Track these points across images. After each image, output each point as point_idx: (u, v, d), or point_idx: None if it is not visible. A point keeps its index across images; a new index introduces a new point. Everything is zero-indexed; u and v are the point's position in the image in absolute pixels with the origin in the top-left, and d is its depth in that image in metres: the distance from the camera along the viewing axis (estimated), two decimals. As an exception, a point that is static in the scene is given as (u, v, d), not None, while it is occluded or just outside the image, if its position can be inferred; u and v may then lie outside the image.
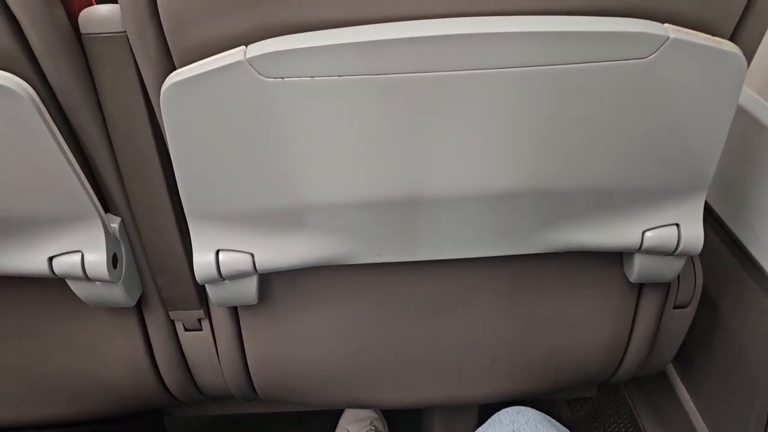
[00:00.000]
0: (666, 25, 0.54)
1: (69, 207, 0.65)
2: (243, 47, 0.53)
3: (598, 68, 0.54)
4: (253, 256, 0.68)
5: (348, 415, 1.29)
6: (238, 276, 0.70)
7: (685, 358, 1.00)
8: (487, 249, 0.71)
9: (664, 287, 0.82)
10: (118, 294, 0.73)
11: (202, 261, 0.68)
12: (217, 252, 0.68)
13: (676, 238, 0.69)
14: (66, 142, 0.61)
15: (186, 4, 0.52)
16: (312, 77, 0.54)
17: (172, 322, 0.82)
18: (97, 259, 0.68)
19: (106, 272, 0.69)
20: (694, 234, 0.69)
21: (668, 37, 0.53)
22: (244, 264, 0.68)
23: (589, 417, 1.25)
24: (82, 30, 0.59)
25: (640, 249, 0.71)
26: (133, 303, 0.77)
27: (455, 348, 0.84)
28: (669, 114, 0.59)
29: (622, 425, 1.17)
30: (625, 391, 1.19)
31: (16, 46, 0.56)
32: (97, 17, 0.59)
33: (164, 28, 0.54)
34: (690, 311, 0.86)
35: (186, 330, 0.83)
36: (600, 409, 1.24)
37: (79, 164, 0.63)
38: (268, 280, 0.76)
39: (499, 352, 0.85)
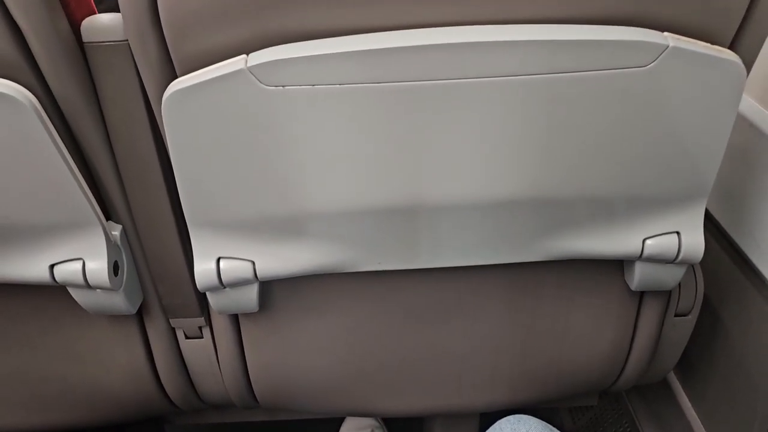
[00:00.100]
0: (665, 33, 0.54)
1: (70, 215, 0.65)
2: (244, 56, 0.53)
3: (598, 77, 0.55)
4: (253, 263, 0.68)
5: (349, 424, 1.29)
6: (238, 283, 0.70)
7: (686, 366, 1.00)
8: (488, 257, 0.71)
9: (665, 295, 0.82)
10: (118, 301, 0.73)
11: (203, 268, 0.68)
12: (218, 259, 0.68)
13: (677, 246, 0.69)
14: (68, 150, 0.61)
15: (187, 13, 0.53)
16: (313, 86, 0.54)
17: (173, 330, 0.83)
18: (98, 266, 0.68)
19: (107, 280, 0.69)
20: (694, 242, 0.69)
21: (668, 46, 0.53)
22: (244, 271, 0.69)
23: (591, 425, 1.25)
24: (85, 38, 0.60)
25: (640, 257, 0.71)
26: (134, 310, 0.77)
27: (456, 356, 0.84)
28: (669, 122, 0.59)
29: (623, 433, 1.17)
30: (627, 400, 1.19)
31: (19, 55, 0.57)
32: (99, 26, 0.59)
33: (166, 36, 0.55)
34: (691, 319, 0.86)
35: (187, 337, 0.83)
36: (601, 418, 1.23)
37: (80, 172, 0.63)
38: (269, 288, 0.76)
39: (500, 360, 0.85)
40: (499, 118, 0.57)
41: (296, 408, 0.91)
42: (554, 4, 0.54)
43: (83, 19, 0.60)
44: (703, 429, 0.96)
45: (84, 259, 0.68)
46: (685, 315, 0.85)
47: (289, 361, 0.83)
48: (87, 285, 0.69)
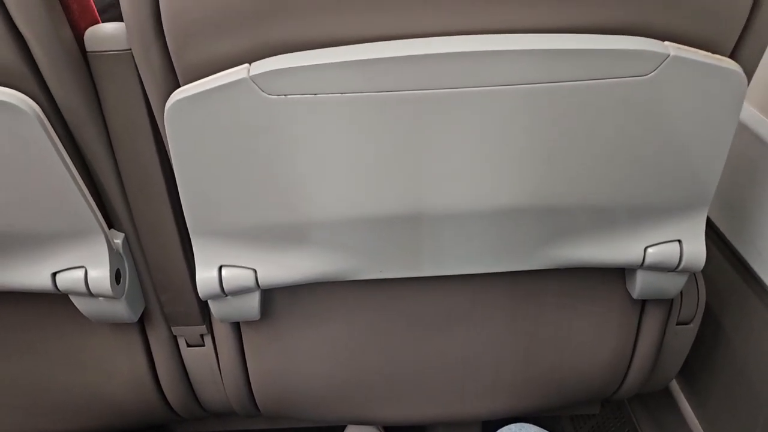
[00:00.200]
0: (666, 42, 0.55)
1: (73, 223, 0.65)
2: (246, 65, 0.54)
3: (599, 85, 0.55)
4: (255, 271, 0.69)
5: (350, 431, 1.29)
6: (240, 292, 0.70)
7: (688, 374, 0.99)
8: (490, 265, 0.71)
9: (667, 303, 0.82)
10: (120, 309, 0.74)
11: (205, 277, 0.68)
12: (220, 268, 0.68)
13: (678, 255, 0.69)
14: (71, 158, 0.61)
15: (190, 22, 0.53)
16: (315, 94, 0.54)
17: (175, 338, 0.83)
18: (100, 274, 0.69)
19: (109, 288, 0.69)
20: (696, 250, 0.69)
21: (668, 55, 0.54)
22: (246, 280, 0.69)
23: (593, 434, 1.24)
24: (88, 48, 0.60)
25: (642, 265, 0.71)
26: (136, 318, 0.77)
27: (458, 364, 0.84)
28: (670, 131, 0.59)
29: (625, 442, 1.17)
30: (629, 408, 1.19)
31: (23, 64, 0.57)
32: (103, 35, 0.60)
33: (169, 46, 0.55)
34: (693, 327, 0.86)
35: (188, 346, 0.83)
36: (604, 426, 1.23)
37: (83, 180, 0.63)
38: (271, 296, 0.76)
39: (502, 368, 0.85)
40: (501, 127, 0.57)
41: (297, 416, 0.91)
42: (555, 13, 0.54)
43: (87, 28, 0.60)
44: (706, 437, 0.96)
45: (86, 267, 0.69)
46: (686, 323, 0.85)
47: (291, 368, 0.83)
48: (89, 293, 0.70)
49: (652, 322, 0.82)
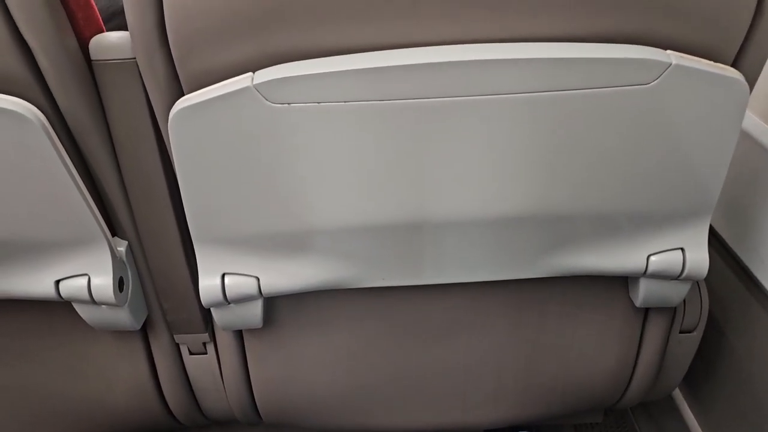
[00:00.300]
0: (668, 51, 0.55)
1: (76, 231, 0.66)
2: (250, 73, 0.54)
3: (602, 94, 0.55)
4: (258, 279, 0.69)
5: (352, 440, 1.28)
6: (243, 299, 0.70)
7: (692, 382, 0.99)
8: (492, 273, 0.71)
9: (670, 311, 0.82)
10: (123, 317, 0.74)
11: (208, 284, 0.68)
12: (223, 276, 0.68)
13: (681, 263, 0.69)
14: (75, 166, 0.61)
15: (195, 31, 0.53)
16: (318, 103, 0.54)
17: (177, 346, 0.83)
18: (103, 282, 0.69)
19: (112, 296, 0.69)
20: (699, 258, 0.69)
21: (671, 64, 0.54)
22: (249, 287, 0.69)
23: (596, 442, 1.24)
24: (93, 56, 0.60)
25: (645, 273, 0.71)
26: (139, 326, 0.77)
27: (460, 372, 0.84)
28: (672, 139, 0.59)
29: (629, 451, 1.16)
30: (633, 417, 1.18)
31: (28, 73, 0.57)
32: (108, 44, 0.60)
33: (173, 54, 0.55)
34: (696, 336, 0.86)
35: (191, 353, 0.83)
36: (607, 435, 1.23)
37: (87, 188, 0.63)
38: (273, 304, 0.76)
39: (504, 376, 0.85)
40: (503, 135, 0.58)
41: (299, 424, 0.90)
42: (558, 22, 0.54)
43: (91, 37, 0.60)
44: (709, 446, 0.95)
45: (89, 274, 0.69)
46: (690, 331, 0.85)
47: (293, 377, 0.83)
48: (92, 301, 0.70)
49: (655, 331, 0.82)
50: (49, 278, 0.69)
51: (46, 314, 0.78)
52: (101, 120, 0.63)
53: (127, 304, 0.72)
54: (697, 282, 0.83)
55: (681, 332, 0.85)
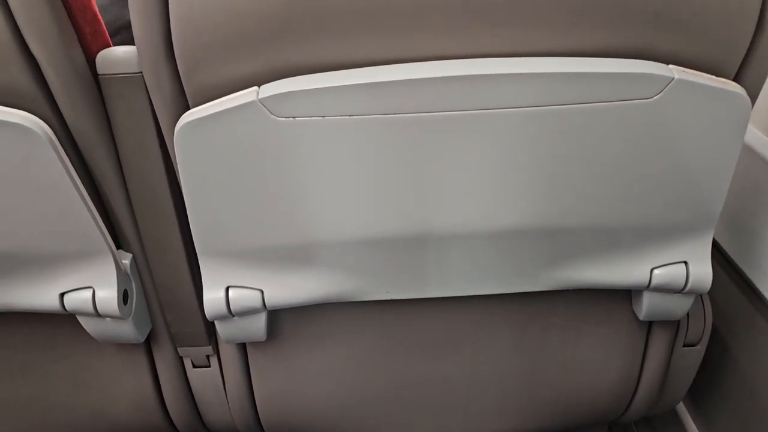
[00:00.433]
0: (671, 66, 0.55)
1: (82, 243, 0.66)
2: (255, 88, 0.54)
3: (605, 108, 0.55)
4: (262, 292, 0.69)
5: (355, 454, 1.28)
6: (247, 312, 0.70)
7: (696, 396, 0.99)
8: (496, 286, 0.71)
9: (674, 325, 0.82)
10: (127, 330, 0.74)
11: (212, 297, 0.68)
12: (227, 288, 0.68)
13: (685, 276, 0.69)
14: (80, 179, 0.62)
15: (201, 46, 0.54)
16: (322, 117, 0.55)
17: (181, 359, 0.83)
18: (108, 295, 0.69)
19: (117, 308, 0.69)
20: (702, 272, 0.69)
21: (673, 78, 0.54)
22: (253, 300, 0.69)
23: (600, 457, 1.23)
24: (100, 71, 0.61)
25: (648, 287, 0.71)
26: (143, 339, 0.77)
27: (463, 385, 0.84)
28: (675, 153, 0.59)
29: (633, 465, 1.15)
30: (636, 431, 1.18)
31: (35, 87, 0.58)
32: (114, 58, 0.60)
33: (179, 69, 0.56)
34: (700, 349, 0.86)
35: (194, 366, 0.83)
36: (610, 449, 1.22)
37: (92, 201, 0.64)
38: (277, 317, 0.76)
39: (508, 390, 0.85)
40: (507, 149, 0.58)
41: (302, 437, 0.90)
42: (560, 37, 0.55)
43: (98, 51, 0.61)
44: (714, 461, 0.95)
45: (94, 287, 0.69)
46: (693, 345, 0.85)
47: (296, 390, 0.83)
48: (96, 313, 0.70)
49: (658, 344, 0.82)
50: (54, 291, 0.69)
51: (49, 327, 0.78)
52: (107, 133, 0.64)
53: (131, 317, 0.73)
54: (701, 295, 0.83)
55: (685, 345, 0.85)
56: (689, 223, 0.67)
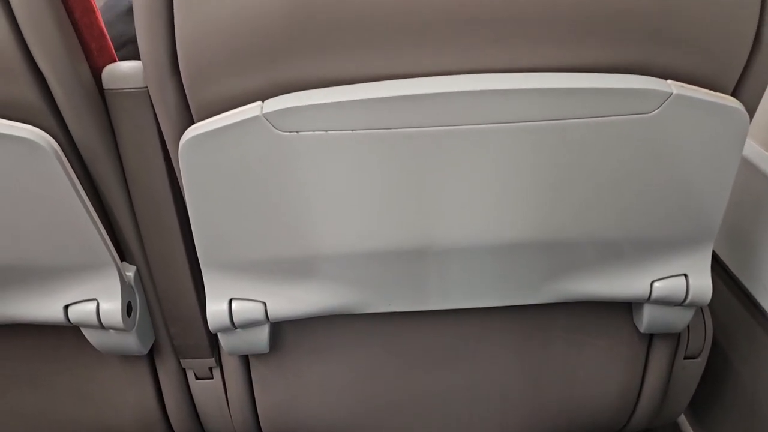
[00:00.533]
0: (669, 81, 0.56)
1: (86, 256, 0.66)
2: (259, 102, 0.55)
3: (604, 123, 0.56)
4: (265, 304, 0.69)
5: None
6: (250, 324, 0.71)
7: (697, 408, 0.99)
8: (497, 299, 0.71)
9: (675, 337, 0.82)
10: (131, 342, 0.74)
11: (215, 310, 0.69)
12: (230, 301, 0.69)
13: (685, 289, 0.70)
14: (86, 192, 0.62)
15: (206, 62, 0.54)
16: (326, 131, 0.55)
17: (184, 371, 0.83)
18: (112, 307, 0.69)
19: (121, 320, 0.70)
20: (702, 284, 0.70)
21: (671, 93, 0.55)
22: (256, 313, 0.69)
23: (602, 469, 1.23)
24: (105, 85, 0.61)
25: (649, 299, 0.71)
26: (146, 351, 0.77)
27: (465, 398, 0.84)
28: (674, 167, 0.60)
29: (635, 478, 1.15)
30: (638, 443, 1.17)
31: (42, 101, 0.58)
32: (120, 73, 0.61)
33: (184, 84, 0.56)
34: (701, 361, 0.86)
35: (197, 378, 0.83)
36: (612, 462, 1.21)
37: (97, 214, 0.64)
38: (280, 329, 0.77)
39: (509, 402, 0.85)
40: (507, 163, 0.58)
41: (305, 450, 0.90)
42: (560, 53, 0.55)
43: (104, 66, 0.62)
44: (716, 473, 0.95)
45: (98, 299, 0.69)
46: (694, 357, 0.85)
47: (299, 402, 0.83)
48: (101, 325, 0.70)
49: (659, 356, 0.82)
50: (59, 303, 0.70)
51: (53, 339, 0.79)
52: (113, 147, 0.64)
53: (134, 329, 0.73)
54: (701, 308, 0.83)
55: (685, 358, 0.85)
56: (689, 236, 0.67)
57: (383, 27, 0.53)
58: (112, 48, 0.64)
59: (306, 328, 0.77)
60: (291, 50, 0.54)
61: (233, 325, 0.70)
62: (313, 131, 0.55)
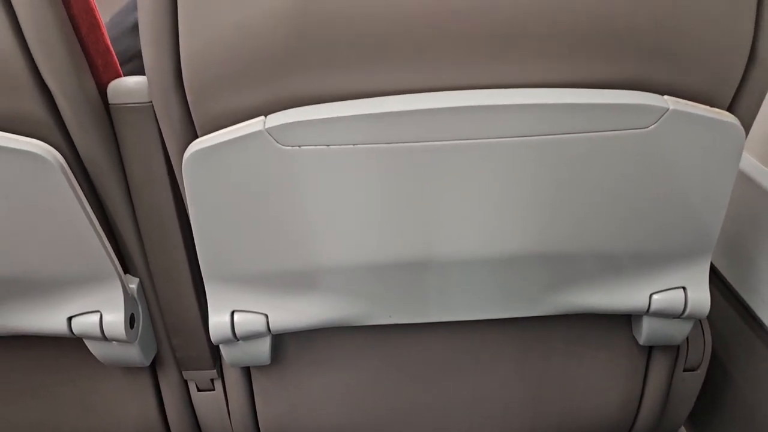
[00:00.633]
0: (666, 96, 0.56)
1: (90, 268, 0.67)
2: (262, 117, 0.56)
3: (602, 138, 0.56)
4: (267, 316, 0.69)
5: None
6: (252, 336, 0.71)
7: (696, 420, 0.99)
8: (497, 311, 0.72)
9: (674, 349, 0.82)
10: (133, 354, 0.74)
11: (218, 322, 0.69)
12: (232, 313, 0.69)
13: (683, 301, 0.70)
14: (90, 205, 0.63)
15: (210, 78, 0.55)
16: (327, 146, 0.56)
17: (185, 382, 0.83)
18: (115, 319, 0.70)
19: (124, 332, 0.70)
20: (700, 297, 0.70)
21: (668, 109, 0.55)
22: (258, 325, 0.70)
23: (602, 482, 1.23)
24: (110, 100, 0.62)
25: (647, 312, 0.72)
26: (148, 363, 0.77)
27: (466, 410, 0.84)
28: (671, 181, 0.60)
29: (635, 491, 1.15)
30: (638, 456, 1.17)
31: (48, 116, 0.59)
32: (125, 89, 0.62)
33: (188, 99, 0.57)
34: (700, 373, 0.86)
35: (199, 390, 0.84)
36: (613, 474, 1.21)
37: (101, 226, 0.65)
38: (281, 341, 0.77)
39: (509, 414, 0.85)
40: (506, 177, 0.59)
41: (306, 461, 0.90)
42: (559, 68, 0.56)
43: (109, 81, 0.63)
44: (716, 486, 0.95)
45: (101, 311, 0.70)
46: (693, 369, 0.85)
47: (300, 414, 0.83)
48: (104, 337, 0.70)
49: (659, 368, 0.82)
50: (62, 315, 0.70)
51: (56, 350, 0.79)
52: (117, 161, 0.65)
53: (137, 341, 0.73)
54: (700, 320, 0.84)
55: (685, 370, 0.85)
56: (687, 249, 0.67)
57: (384, 44, 0.54)
58: (118, 63, 0.65)
59: (307, 340, 0.77)
60: (293, 66, 0.55)
61: (235, 337, 0.70)
62: (315, 146, 0.56)
